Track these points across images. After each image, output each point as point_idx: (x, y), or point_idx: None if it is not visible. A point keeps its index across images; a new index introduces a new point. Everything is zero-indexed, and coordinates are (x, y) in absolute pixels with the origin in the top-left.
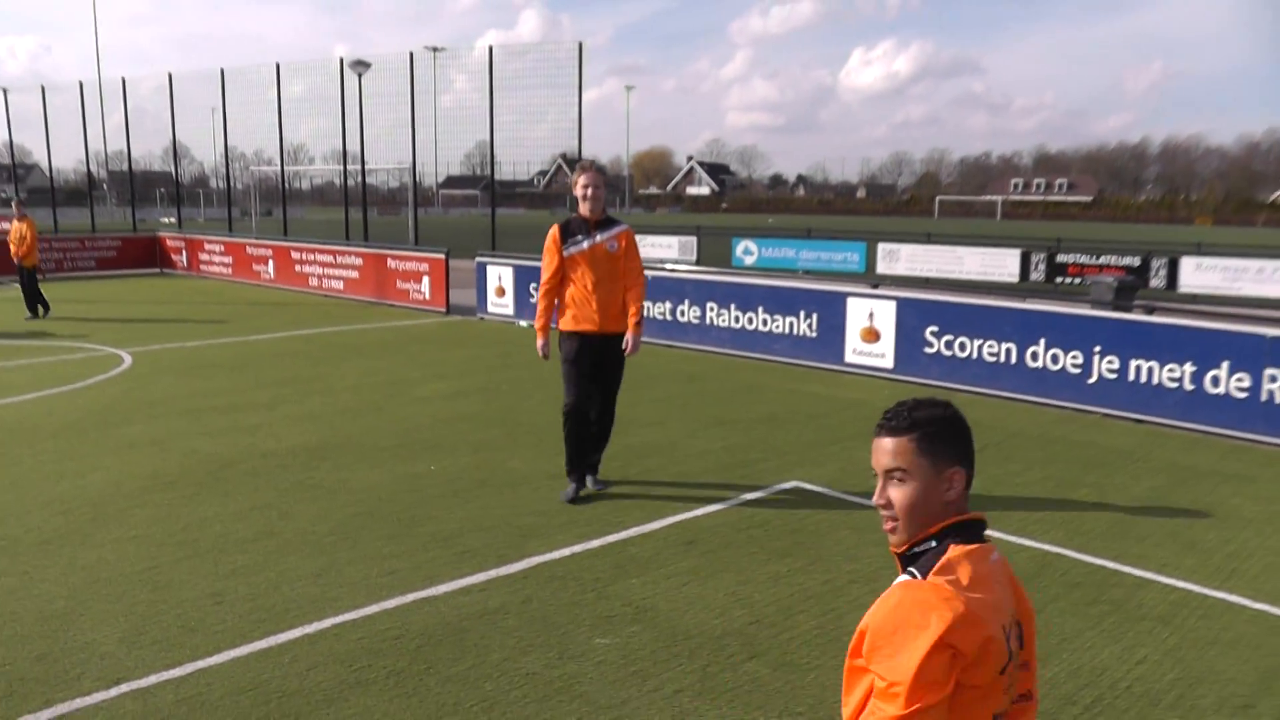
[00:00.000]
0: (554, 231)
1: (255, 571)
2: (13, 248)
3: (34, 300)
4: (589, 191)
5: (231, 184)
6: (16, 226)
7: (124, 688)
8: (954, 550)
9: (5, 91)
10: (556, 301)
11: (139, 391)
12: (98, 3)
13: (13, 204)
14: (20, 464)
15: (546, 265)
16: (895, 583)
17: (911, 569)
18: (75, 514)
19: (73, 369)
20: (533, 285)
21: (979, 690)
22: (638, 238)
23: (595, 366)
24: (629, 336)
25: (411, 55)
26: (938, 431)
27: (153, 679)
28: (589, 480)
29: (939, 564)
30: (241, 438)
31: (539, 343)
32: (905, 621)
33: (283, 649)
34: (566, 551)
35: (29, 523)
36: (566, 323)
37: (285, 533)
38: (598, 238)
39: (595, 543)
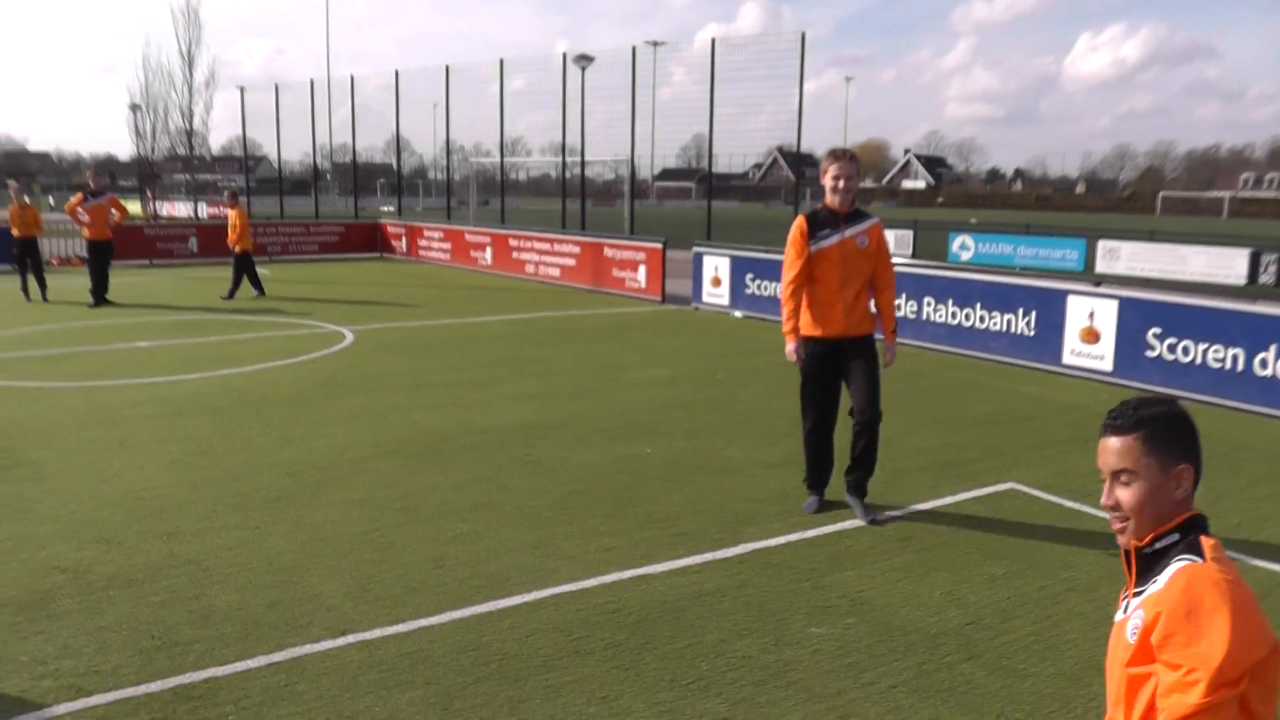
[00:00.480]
0: (800, 223)
1: (474, 540)
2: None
3: (239, 282)
4: (840, 183)
5: (450, 175)
6: (230, 215)
7: (350, 638)
8: (1206, 540)
9: (243, 90)
10: (805, 304)
11: (361, 366)
12: (330, 6)
13: (225, 194)
14: (250, 428)
15: (792, 262)
16: (1174, 570)
17: (1186, 556)
18: (302, 476)
19: (298, 343)
20: (749, 275)
21: (1267, 689)
22: None
23: (836, 373)
24: (888, 347)
25: (634, 50)
26: (1164, 429)
27: (377, 632)
28: (858, 510)
29: (1207, 551)
30: (460, 414)
31: (789, 346)
32: (1199, 604)
33: (502, 614)
34: (782, 540)
35: (259, 482)
36: (807, 325)
37: (503, 506)
38: (847, 232)
39: (811, 533)
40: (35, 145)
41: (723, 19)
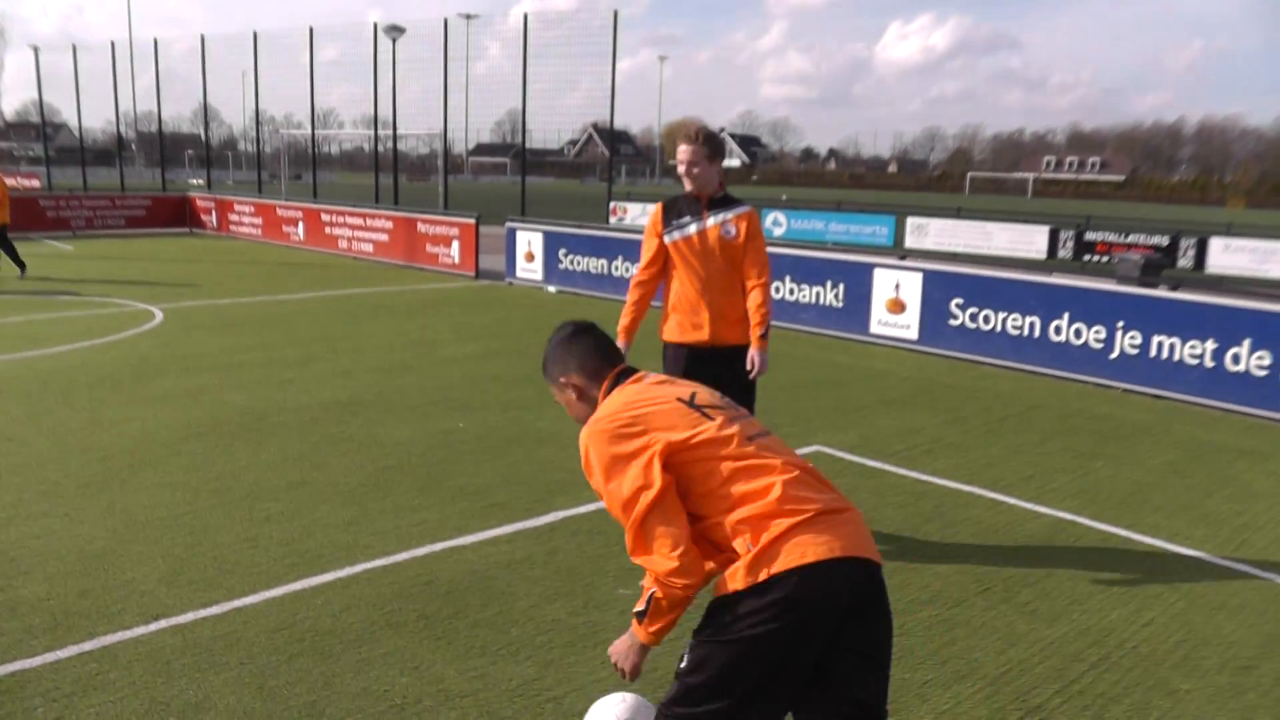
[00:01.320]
0: (656, 211)
1: (288, 519)
2: None
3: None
4: (686, 168)
5: (261, 147)
6: None
7: (163, 623)
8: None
9: (37, 50)
10: (665, 305)
11: (171, 346)
12: None
13: None
14: (58, 413)
15: (644, 251)
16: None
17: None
18: (113, 461)
19: (105, 323)
20: (562, 250)
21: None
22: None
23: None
24: (754, 354)
25: (446, 22)
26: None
27: (190, 616)
28: None
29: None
30: (273, 392)
31: (619, 343)
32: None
33: (315, 591)
34: (592, 507)
35: (68, 468)
36: (670, 331)
37: (317, 483)
38: (709, 221)
39: None
40: None
41: None
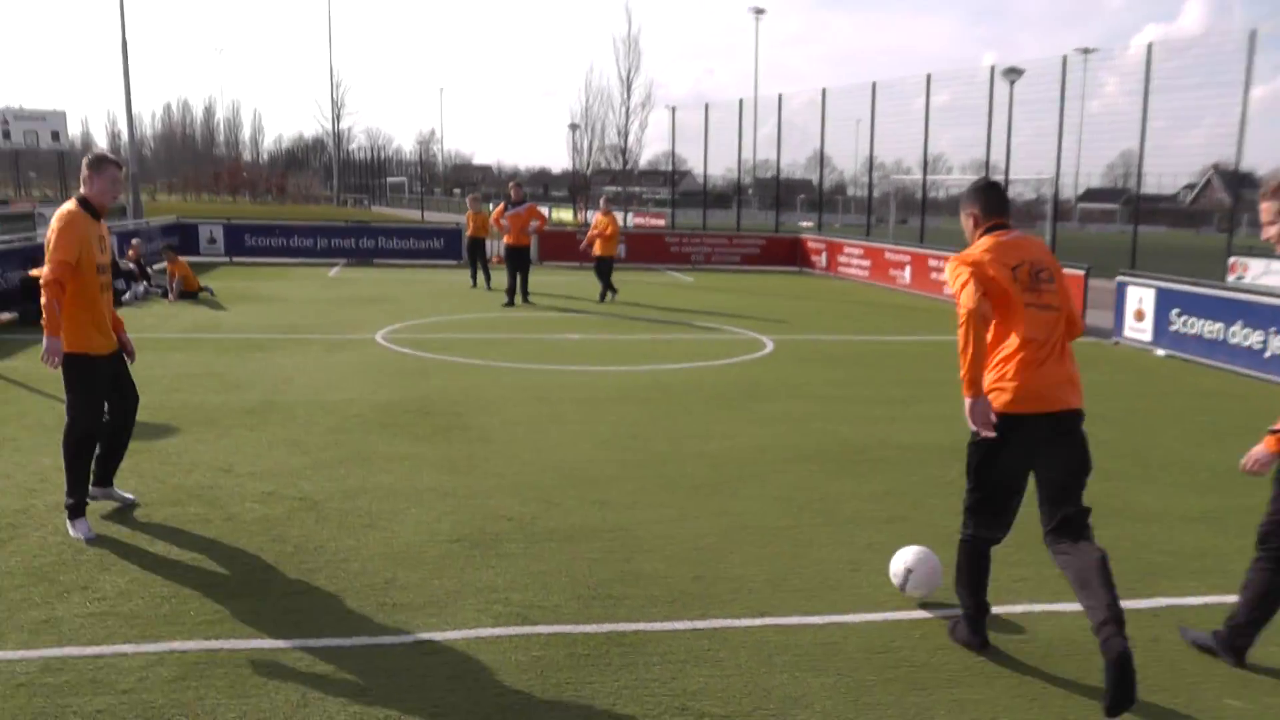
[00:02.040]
0: None
1: (886, 550)
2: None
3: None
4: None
5: (870, 192)
6: (599, 220)
7: (768, 620)
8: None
9: (674, 110)
10: None
11: (779, 374)
12: (758, 28)
13: (601, 201)
14: (675, 420)
15: None
16: None
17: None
18: (723, 469)
19: (720, 347)
20: (1175, 310)
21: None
22: None
23: None
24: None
25: (1064, 59)
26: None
27: (794, 619)
28: None
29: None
30: (876, 428)
31: None
32: None
33: (913, 624)
34: (1198, 601)
35: (684, 470)
36: None
37: (917, 521)
38: None
39: (1232, 598)
40: (480, 159)
41: (1163, 18)
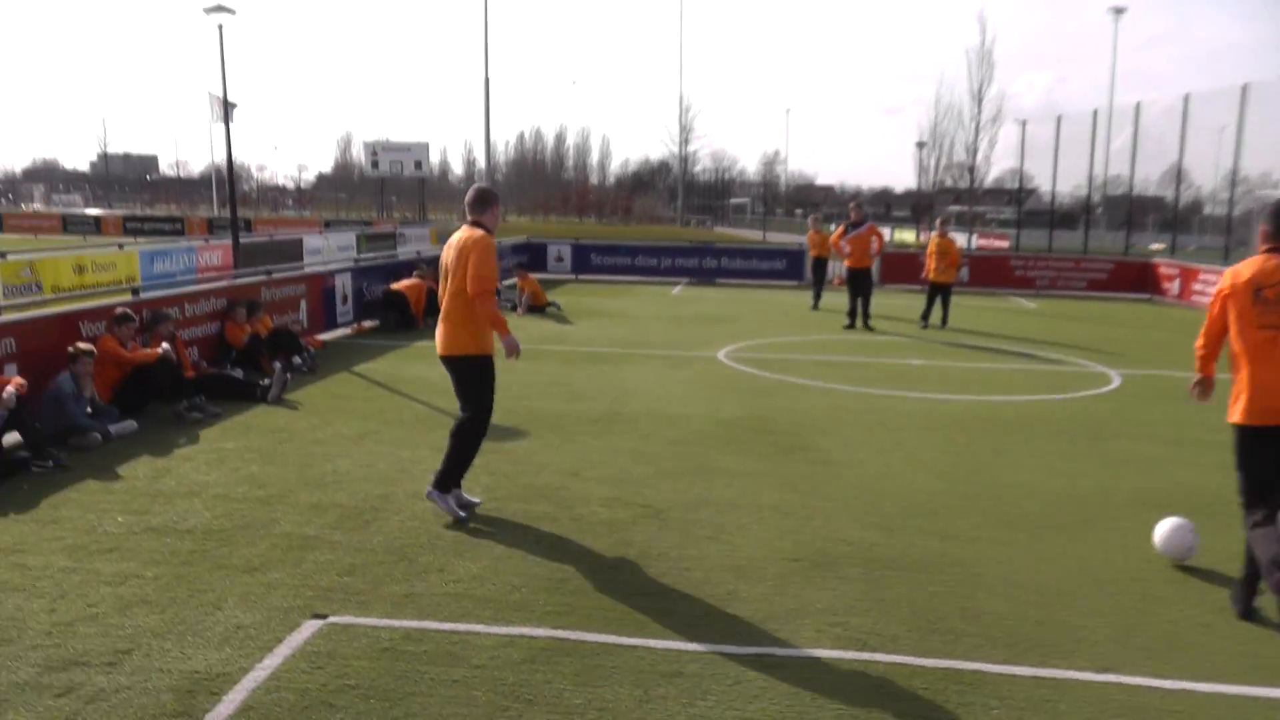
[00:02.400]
0: None
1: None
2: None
3: (933, 308)
4: None
5: (1231, 210)
6: (935, 242)
7: (1111, 677)
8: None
9: (1024, 124)
10: None
11: (1126, 411)
12: (1116, 30)
13: (936, 223)
14: (1017, 455)
15: None
16: None
17: None
18: (1066, 510)
19: (1063, 379)
20: None
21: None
22: None
23: None
24: None
25: None
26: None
27: (1140, 679)
28: None
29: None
30: (1232, 477)
31: None
32: None
33: (1272, 705)
34: None
35: (1025, 507)
36: None
37: None
38: None
39: None
40: (822, 179)
41: None
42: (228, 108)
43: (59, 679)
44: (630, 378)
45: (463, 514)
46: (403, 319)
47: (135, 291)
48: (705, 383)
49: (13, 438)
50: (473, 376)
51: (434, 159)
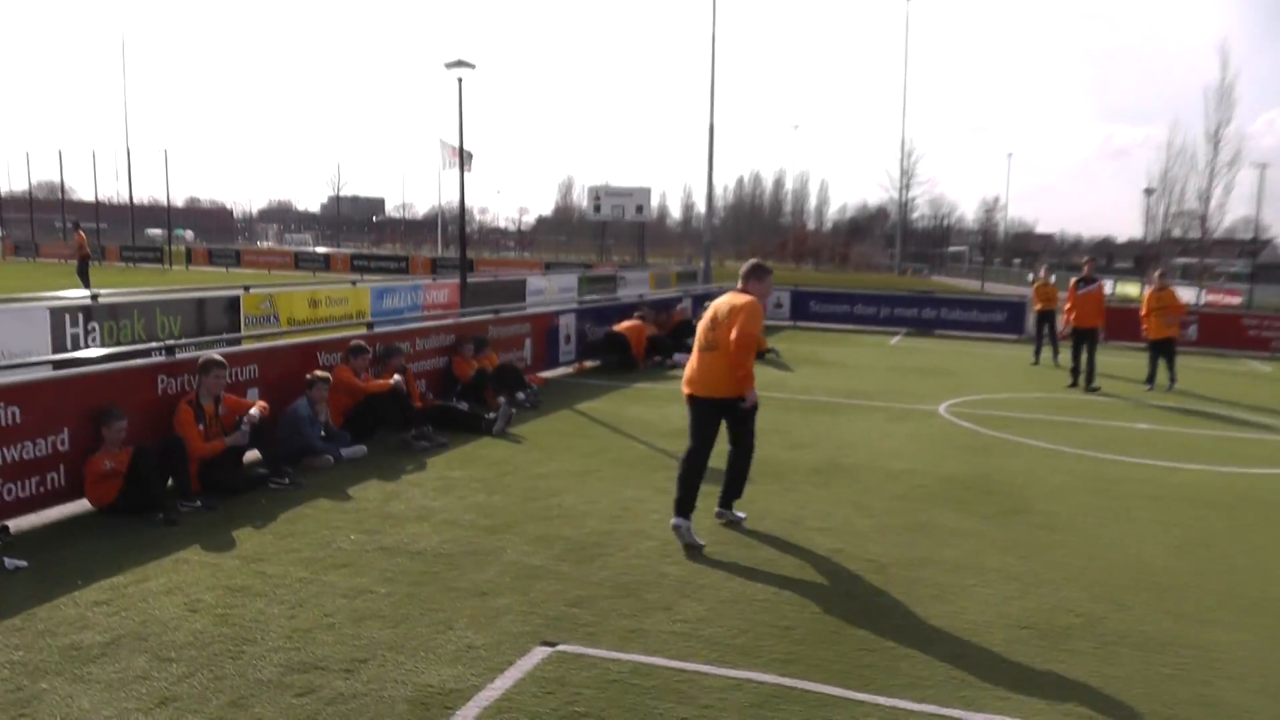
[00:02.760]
0: None
1: None
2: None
3: (1157, 369)
4: None
5: None
6: (1150, 296)
7: None
8: None
9: (1263, 168)
10: None
11: None
12: None
13: (1155, 275)
14: (1257, 533)
15: None
16: None
17: None
18: None
19: None
20: None
21: None
22: None
23: None
24: None
25: None
26: None
27: None
28: None
29: None
30: None
31: None
32: None
33: None
34: None
35: (1268, 591)
36: None
37: None
38: None
39: None
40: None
41: None
42: (463, 158)
43: (300, 680)
44: (849, 428)
45: (700, 542)
46: (624, 360)
47: (369, 326)
48: (925, 437)
49: (252, 455)
50: (743, 414)
51: (653, 203)
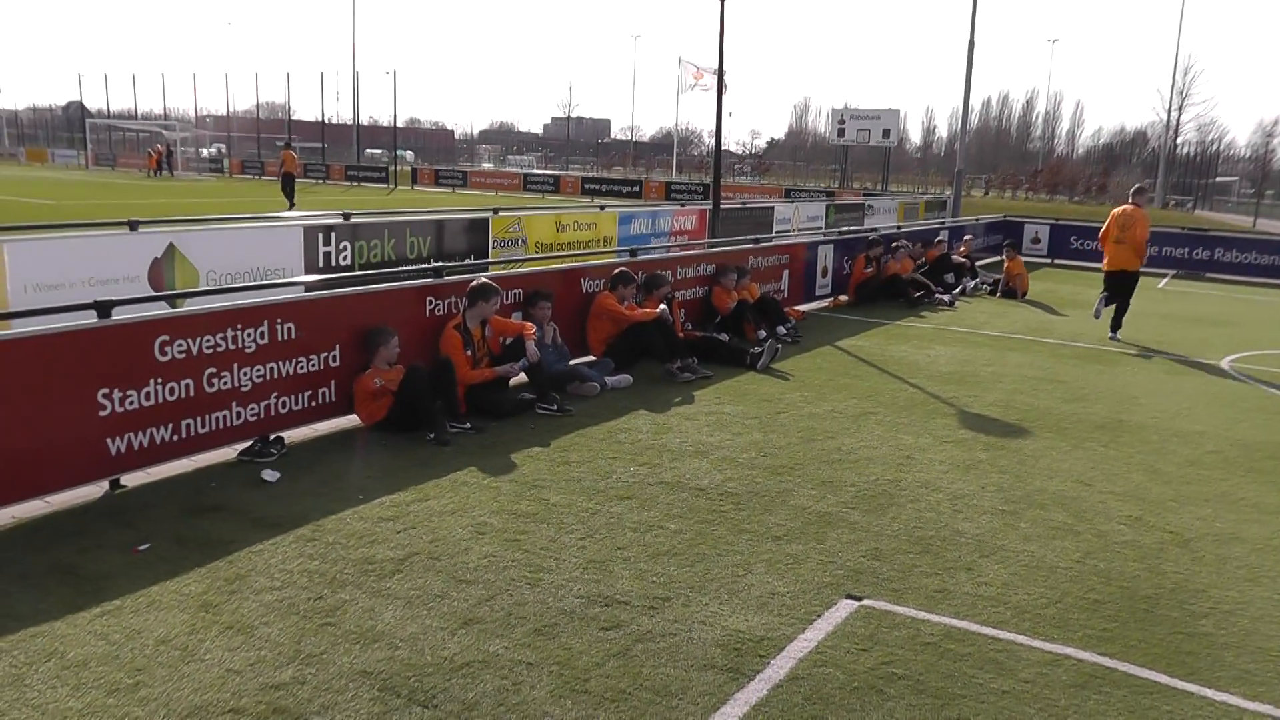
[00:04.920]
0: None
1: None
2: None
3: None
4: None
5: None
6: None
7: None
8: None
9: None
10: None
11: None
12: None
13: None
14: None
15: None
16: None
17: None
18: None
19: None
20: None
21: None
22: None
23: None
24: None
25: None
26: None
27: None
28: None
29: None
30: None
31: None
32: None
33: None
34: None
35: None
36: None
37: None
38: None
39: None
40: None
41: None
42: (721, 81)
43: (604, 614)
44: (1129, 381)
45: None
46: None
47: (633, 253)
48: (1213, 395)
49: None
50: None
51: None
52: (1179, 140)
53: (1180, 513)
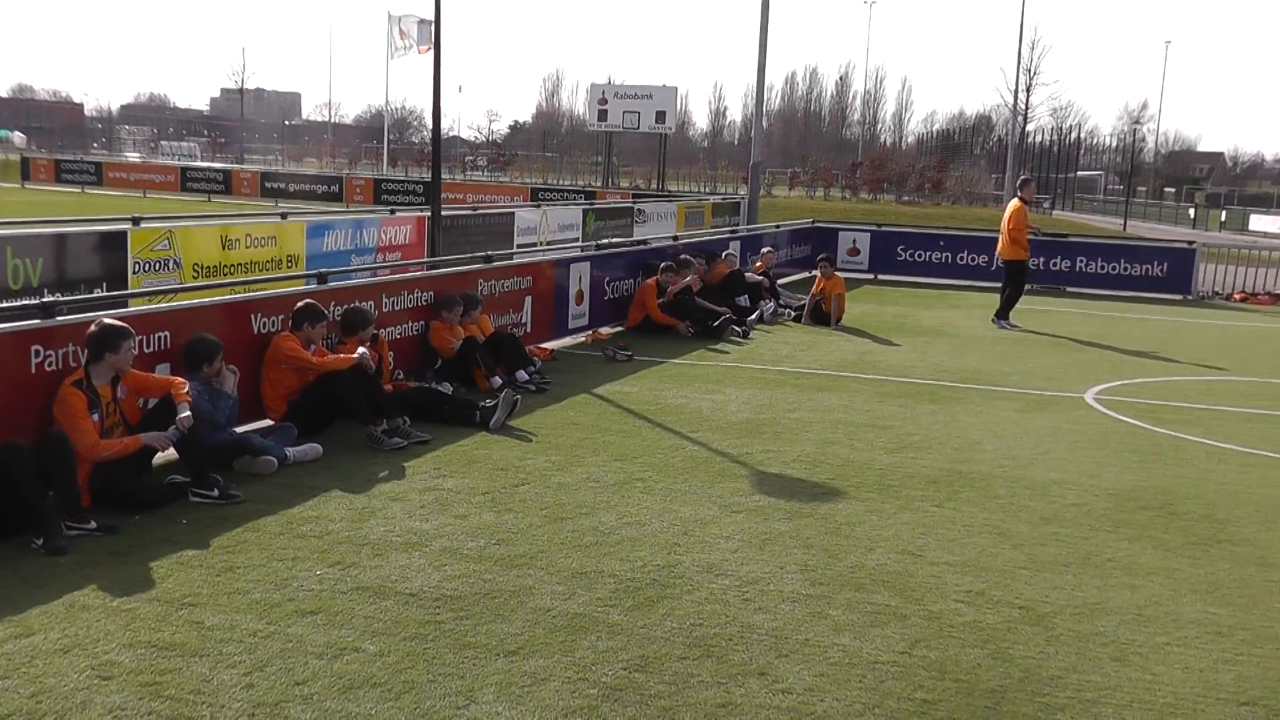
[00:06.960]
0: None
1: None
2: None
3: None
4: None
5: None
6: None
7: None
8: None
9: None
10: None
11: None
12: None
13: None
14: None
15: None
16: None
17: None
18: None
19: None
20: None
21: None
22: None
23: None
24: None
25: None
26: None
27: None
28: None
29: None
30: None
31: None
32: None
33: None
34: None
35: None
36: None
37: None
38: None
39: None
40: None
41: None
42: (439, 42)
43: None
44: (970, 423)
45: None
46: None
47: (320, 278)
48: (1075, 436)
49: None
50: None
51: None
52: (1029, 127)
53: (1033, 582)
